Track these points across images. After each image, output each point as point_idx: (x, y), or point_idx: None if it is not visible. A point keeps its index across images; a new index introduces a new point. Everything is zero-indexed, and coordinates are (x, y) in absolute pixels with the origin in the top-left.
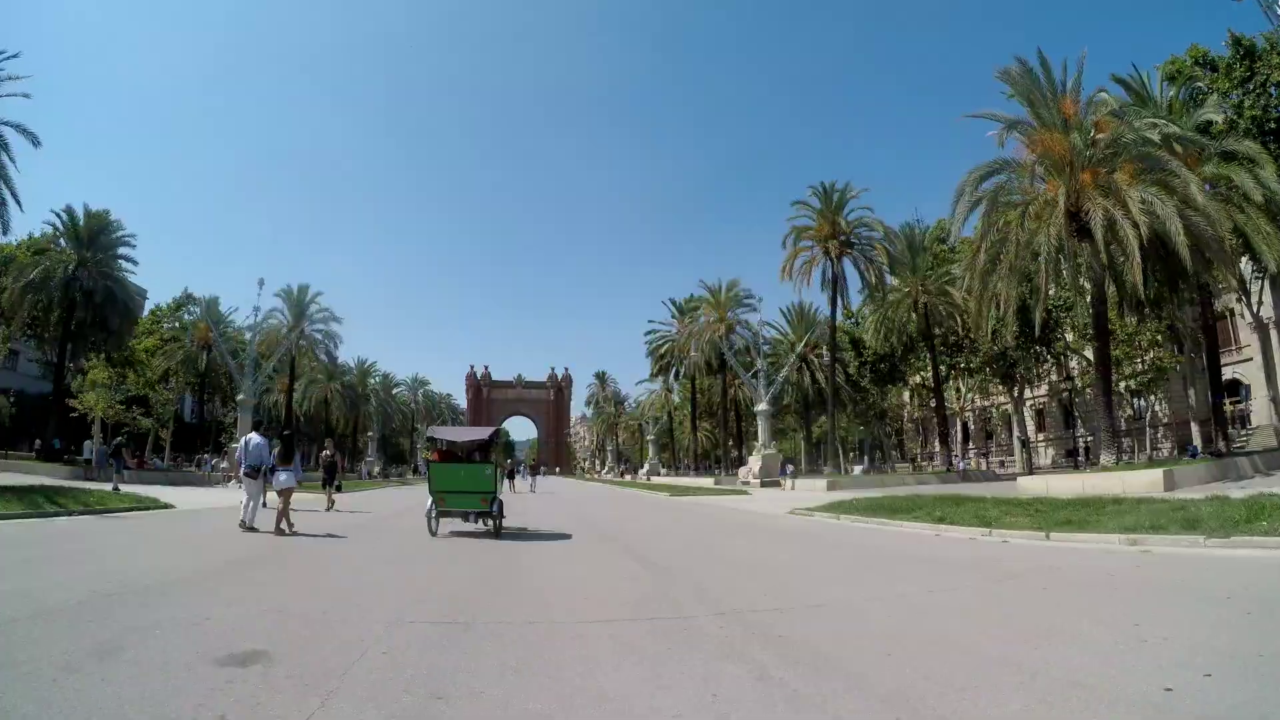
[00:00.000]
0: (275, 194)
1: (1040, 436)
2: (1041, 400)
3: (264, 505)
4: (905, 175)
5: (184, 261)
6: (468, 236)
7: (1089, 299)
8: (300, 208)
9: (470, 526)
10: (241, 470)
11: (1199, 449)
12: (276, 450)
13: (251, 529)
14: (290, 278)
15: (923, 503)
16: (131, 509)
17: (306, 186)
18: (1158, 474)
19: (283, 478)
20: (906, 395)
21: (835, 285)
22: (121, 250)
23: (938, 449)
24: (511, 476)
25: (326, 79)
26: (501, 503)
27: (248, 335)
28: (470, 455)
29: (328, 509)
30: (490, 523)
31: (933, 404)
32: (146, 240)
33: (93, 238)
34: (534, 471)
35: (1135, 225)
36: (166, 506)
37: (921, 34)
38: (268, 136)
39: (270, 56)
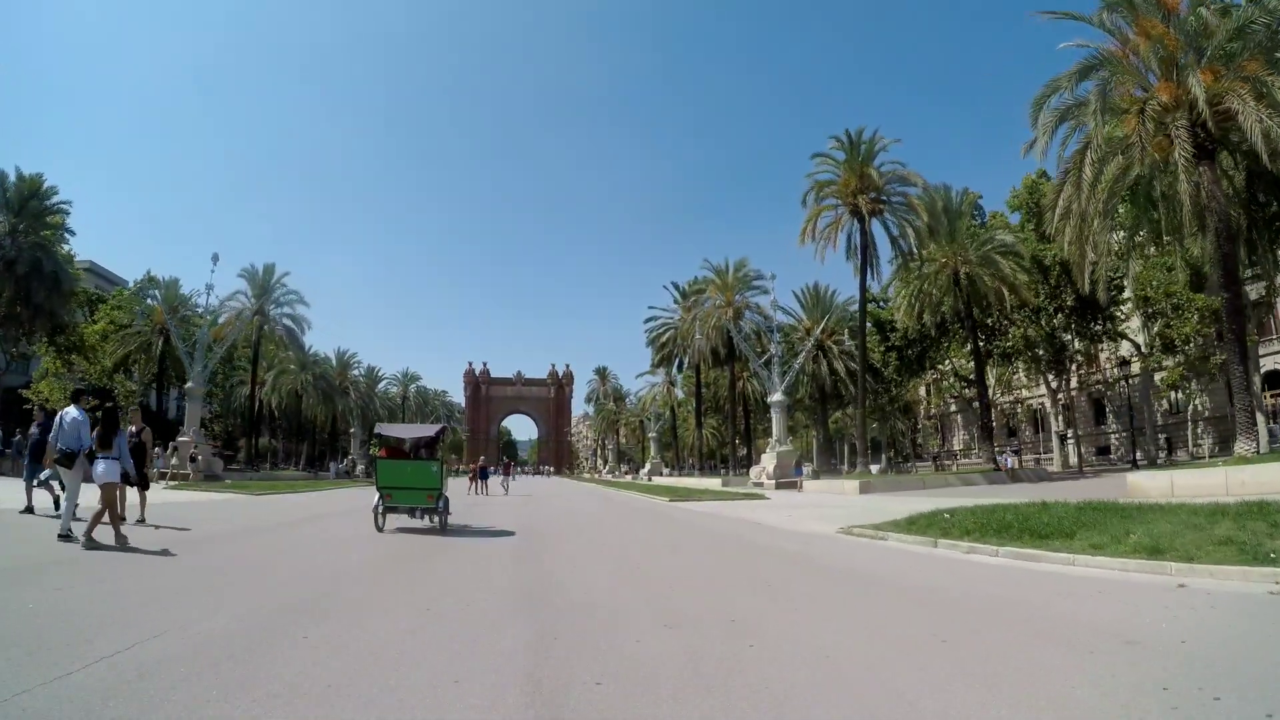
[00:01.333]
0: (274, 194)
1: (1069, 433)
2: (1070, 394)
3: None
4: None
5: (184, 261)
6: (468, 236)
7: (1215, 236)
8: (299, 207)
9: (417, 523)
10: (54, 456)
11: None
12: (96, 431)
13: (67, 536)
14: (289, 276)
15: (1066, 517)
16: None
17: (306, 186)
18: None
19: (101, 468)
20: (923, 390)
21: (865, 245)
22: (55, 219)
23: (958, 447)
24: (485, 476)
25: (326, 79)
26: (448, 499)
27: (211, 319)
28: (417, 452)
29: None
30: (437, 519)
31: (954, 395)
32: (145, 239)
33: (23, 204)
34: (507, 471)
35: None
36: None
37: (922, 32)
38: (267, 136)
39: (270, 56)
